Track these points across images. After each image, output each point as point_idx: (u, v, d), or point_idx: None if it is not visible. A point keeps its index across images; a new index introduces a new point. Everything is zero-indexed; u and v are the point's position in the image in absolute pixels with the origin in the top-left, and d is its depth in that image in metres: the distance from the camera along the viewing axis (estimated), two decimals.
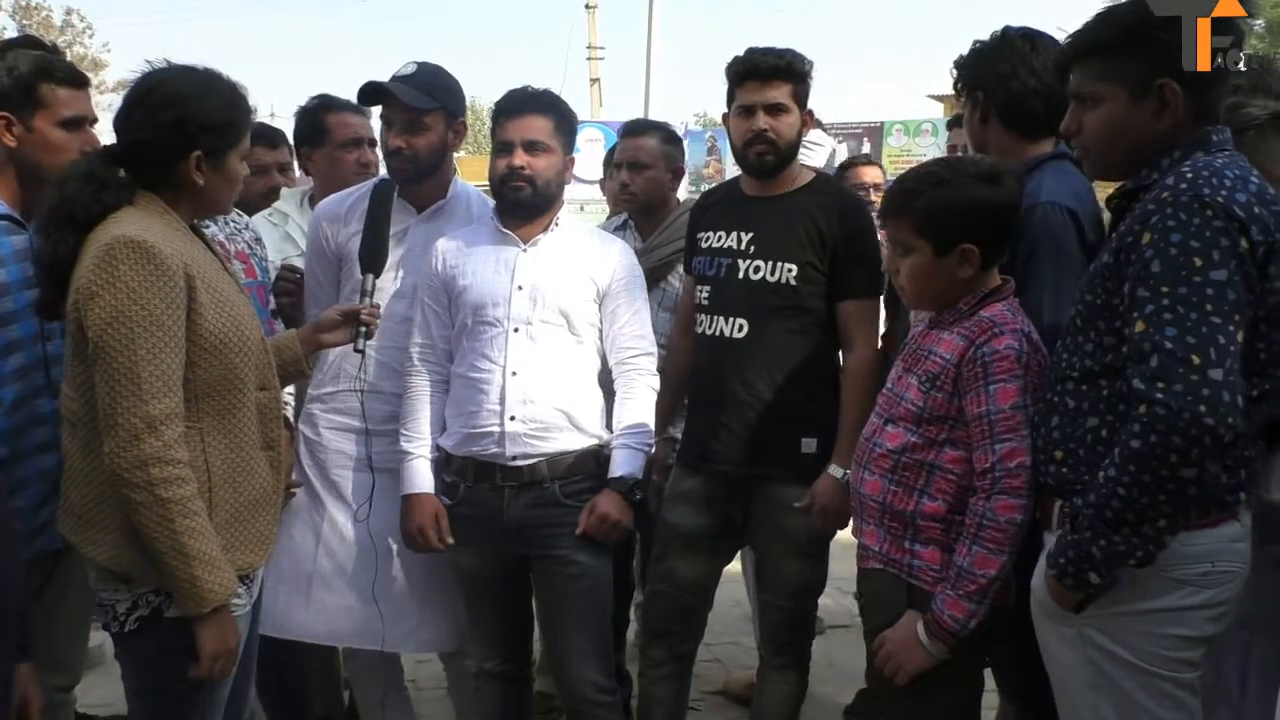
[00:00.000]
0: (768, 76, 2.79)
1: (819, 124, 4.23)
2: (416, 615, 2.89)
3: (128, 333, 1.91)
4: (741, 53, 2.85)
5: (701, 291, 2.92)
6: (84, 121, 2.49)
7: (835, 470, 2.74)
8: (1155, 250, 1.76)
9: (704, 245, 2.94)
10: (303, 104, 3.51)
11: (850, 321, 2.81)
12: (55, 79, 2.44)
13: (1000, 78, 2.42)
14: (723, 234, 2.90)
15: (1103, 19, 1.98)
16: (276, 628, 2.84)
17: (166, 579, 1.97)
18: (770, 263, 2.80)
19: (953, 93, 2.59)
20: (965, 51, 2.53)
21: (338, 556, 2.87)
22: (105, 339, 1.91)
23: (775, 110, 2.79)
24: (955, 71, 2.55)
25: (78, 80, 2.51)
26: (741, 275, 2.83)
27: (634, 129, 3.75)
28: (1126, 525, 1.80)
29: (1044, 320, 2.20)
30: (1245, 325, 1.75)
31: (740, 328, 2.82)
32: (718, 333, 2.85)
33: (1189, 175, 1.79)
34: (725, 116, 2.94)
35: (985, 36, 2.53)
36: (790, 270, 2.78)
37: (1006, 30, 2.49)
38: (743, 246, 2.85)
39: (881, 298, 2.98)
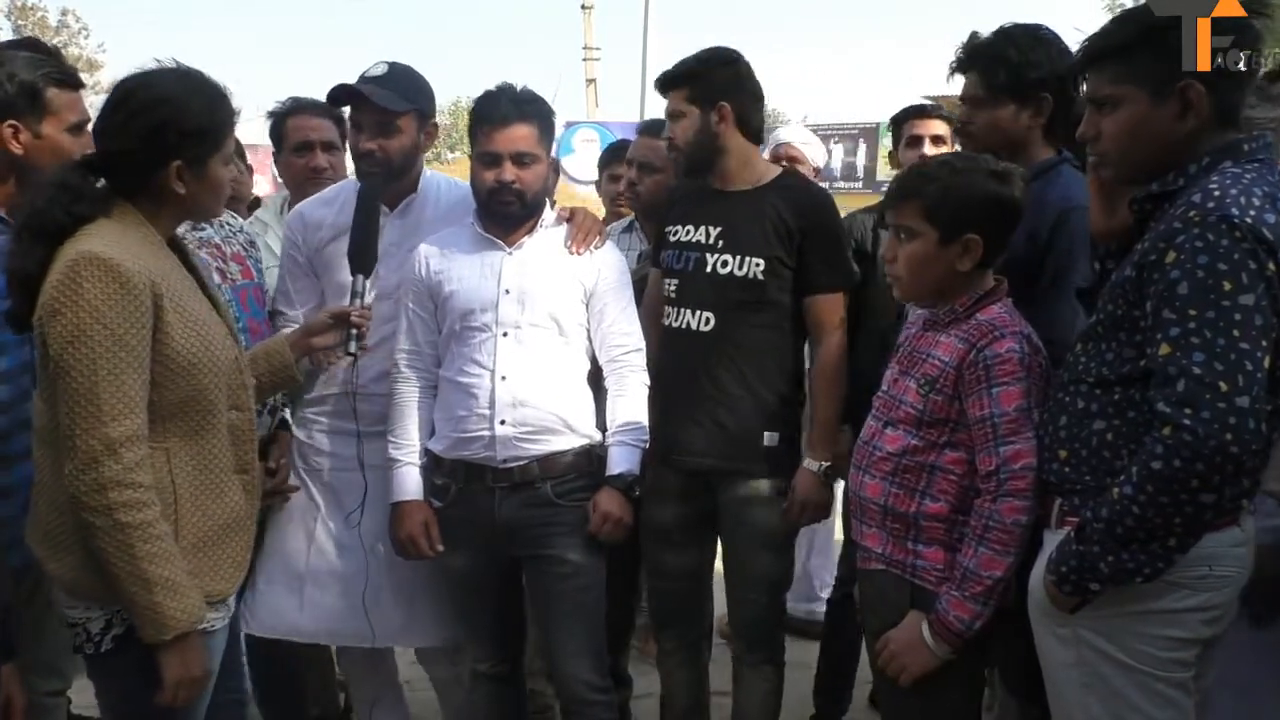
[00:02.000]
0: (665, 88, 2.91)
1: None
2: (406, 611, 2.89)
3: (89, 352, 1.85)
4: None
5: (669, 285, 2.93)
6: (86, 125, 2.46)
7: (810, 463, 2.79)
8: (1182, 271, 1.74)
9: (672, 239, 2.96)
10: (273, 107, 3.45)
11: (819, 314, 2.84)
12: (58, 83, 2.41)
13: (1065, 82, 2.44)
14: (691, 228, 2.92)
15: (1120, 21, 1.95)
16: (267, 627, 2.86)
17: (127, 605, 1.92)
18: (738, 257, 2.82)
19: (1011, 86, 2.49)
20: (1006, 37, 2.49)
21: (329, 557, 2.86)
22: (66, 358, 1.85)
23: (674, 117, 2.88)
24: (1005, 59, 2.48)
25: (77, 83, 2.48)
26: (709, 269, 2.85)
27: (652, 129, 3.67)
28: (1136, 542, 1.79)
29: (1079, 322, 2.18)
30: (1271, 348, 1.73)
31: (707, 321, 2.84)
32: (684, 325, 2.87)
33: (1216, 193, 1.76)
34: None
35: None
36: (758, 265, 2.80)
37: (1044, 27, 2.51)
38: (711, 240, 2.87)
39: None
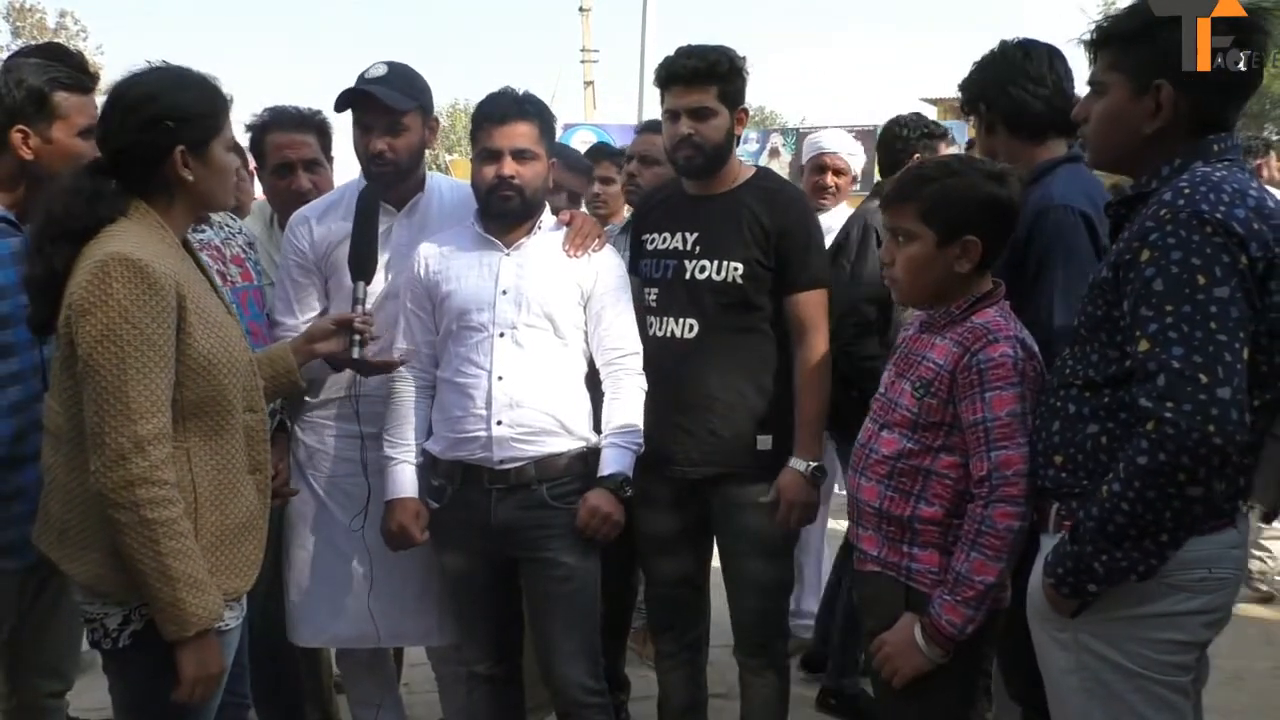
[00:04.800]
0: (690, 81, 2.78)
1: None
2: (412, 609, 2.92)
3: (118, 351, 1.88)
4: (670, 54, 2.84)
5: (649, 294, 2.92)
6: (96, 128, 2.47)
7: (797, 463, 2.76)
8: (1157, 268, 1.75)
9: (649, 247, 2.95)
10: (250, 120, 3.29)
11: (801, 313, 2.82)
12: (66, 87, 2.41)
13: (999, 86, 2.50)
14: (668, 235, 2.91)
15: (1129, 10, 1.96)
16: (307, 639, 2.96)
17: (149, 601, 1.94)
18: (716, 262, 2.81)
19: (964, 113, 2.69)
20: (967, 73, 2.61)
21: (350, 561, 2.89)
22: (95, 357, 1.88)
23: (700, 114, 2.79)
24: (961, 93, 2.63)
25: (86, 87, 2.48)
26: (688, 276, 2.84)
27: (652, 126, 3.71)
28: (1129, 540, 1.79)
29: (1055, 322, 2.22)
30: (1248, 340, 1.74)
31: (690, 328, 2.83)
32: (668, 334, 2.86)
33: (1186, 191, 1.78)
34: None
35: (981, 50, 2.61)
36: (736, 269, 2.79)
37: (1001, 43, 2.57)
38: (688, 247, 2.86)
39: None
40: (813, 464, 2.75)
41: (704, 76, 2.77)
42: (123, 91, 2.04)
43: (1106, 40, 1.95)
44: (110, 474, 1.88)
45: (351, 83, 2.78)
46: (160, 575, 1.90)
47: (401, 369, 2.81)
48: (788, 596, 3.02)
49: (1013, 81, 2.48)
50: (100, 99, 2.18)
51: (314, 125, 3.22)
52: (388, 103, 2.70)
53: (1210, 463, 1.71)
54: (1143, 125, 1.89)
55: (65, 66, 2.48)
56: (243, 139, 3.35)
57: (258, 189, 3.78)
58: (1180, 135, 1.88)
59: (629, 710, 3.59)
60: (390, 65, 2.78)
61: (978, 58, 2.60)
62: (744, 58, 2.85)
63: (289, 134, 3.18)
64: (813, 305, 2.82)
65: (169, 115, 2.02)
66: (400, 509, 2.76)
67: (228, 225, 2.96)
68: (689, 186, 2.93)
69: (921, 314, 2.33)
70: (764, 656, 2.95)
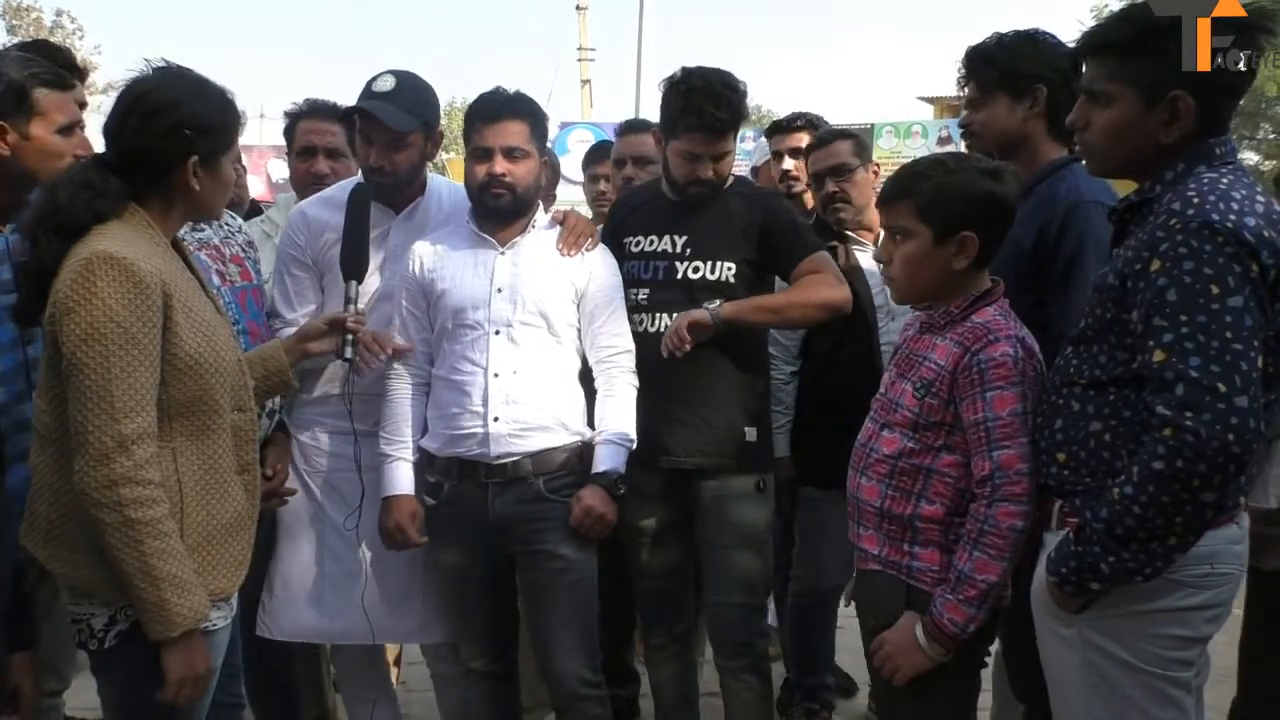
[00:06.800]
0: (721, 131, 2.82)
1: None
2: (404, 607, 2.91)
3: (102, 350, 1.87)
4: (683, 89, 2.82)
5: (638, 293, 2.94)
6: (77, 126, 2.44)
7: (712, 304, 2.80)
8: (1169, 279, 1.75)
9: (634, 249, 2.97)
10: (288, 108, 3.49)
11: (810, 268, 2.87)
12: (47, 84, 2.39)
13: (1064, 75, 2.44)
14: (654, 238, 2.95)
15: (1126, 16, 1.96)
16: (288, 632, 2.91)
17: (134, 601, 1.93)
18: (709, 262, 2.89)
19: (990, 87, 2.53)
20: (996, 40, 2.54)
21: (341, 559, 2.89)
22: (79, 356, 1.87)
23: (723, 157, 2.87)
24: (992, 60, 2.52)
25: (67, 84, 2.46)
26: (680, 275, 2.90)
27: (635, 127, 3.77)
28: (1136, 542, 1.80)
29: None
30: (1261, 347, 1.74)
31: None
32: (660, 329, 2.88)
33: (1195, 200, 1.77)
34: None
35: (983, 36, 2.57)
36: (730, 269, 2.88)
37: (1041, 32, 2.53)
38: (678, 249, 2.91)
39: None
40: (719, 307, 2.78)
41: (727, 124, 2.84)
42: (144, 93, 2.04)
43: (1102, 49, 1.94)
44: (93, 473, 1.87)
45: (350, 83, 2.82)
46: (144, 575, 1.89)
47: (398, 366, 2.82)
48: (769, 594, 3.03)
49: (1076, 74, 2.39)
50: (99, 98, 2.17)
51: (343, 118, 3.24)
52: (390, 124, 2.72)
53: (1227, 470, 1.71)
54: (1160, 135, 1.88)
55: (48, 62, 2.45)
56: (257, 129, 3.49)
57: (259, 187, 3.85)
58: (1190, 140, 1.87)
59: (639, 704, 3.59)
60: (398, 78, 2.79)
61: (1012, 33, 2.52)
62: (744, 83, 2.88)
63: (316, 122, 3.34)
64: (819, 260, 2.89)
65: (190, 124, 2.02)
66: (396, 507, 2.77)
67: (228, 224, 2.95)
68: (670, 192, 2.97)
69: (922, 314, 2.33)
70: (745, 658, 2.96)
